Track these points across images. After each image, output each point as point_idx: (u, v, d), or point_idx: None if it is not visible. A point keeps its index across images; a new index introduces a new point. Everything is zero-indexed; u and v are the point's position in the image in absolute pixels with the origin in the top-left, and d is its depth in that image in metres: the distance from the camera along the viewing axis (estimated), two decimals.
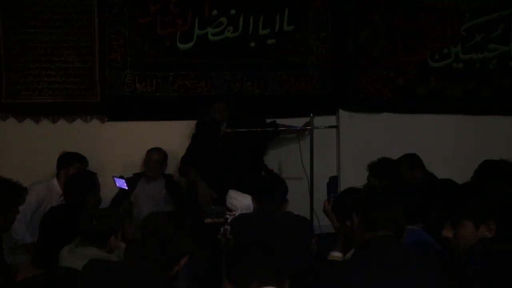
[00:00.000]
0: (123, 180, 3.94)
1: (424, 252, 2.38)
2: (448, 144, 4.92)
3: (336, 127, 4.87)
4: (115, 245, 2.62)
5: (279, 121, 4.59)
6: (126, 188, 3.96)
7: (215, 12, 4.70)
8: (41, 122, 4.64)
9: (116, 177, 4.02)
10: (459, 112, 4.96)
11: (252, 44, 4.78)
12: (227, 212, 3.82)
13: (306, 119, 4.28)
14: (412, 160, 4.04)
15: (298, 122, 4.45)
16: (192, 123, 4.63)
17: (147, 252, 1.99)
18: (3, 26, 4.48)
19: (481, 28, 4.91)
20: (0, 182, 2.80)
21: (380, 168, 3.51)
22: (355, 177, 3.73)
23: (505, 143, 4.86)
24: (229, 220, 3.61)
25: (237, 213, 3.68)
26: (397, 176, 3.60)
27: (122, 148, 4.70)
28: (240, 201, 3.79)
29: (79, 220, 2.59)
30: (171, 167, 4.68)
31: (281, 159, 4.68)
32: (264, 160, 4.60)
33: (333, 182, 3.95)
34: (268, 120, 4.54)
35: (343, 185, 4.33)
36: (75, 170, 4.07)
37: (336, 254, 2.74)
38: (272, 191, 3.16)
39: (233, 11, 4.72)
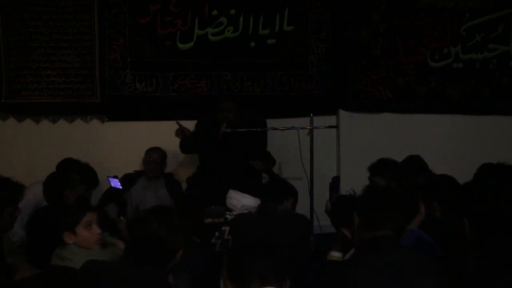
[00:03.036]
0: (117, 180, 3.96)
1: (424, 251, 2.37)
2: (448, 144, 4.92)
3: (336, 127, 4.87)
4: (77, 241, 2.45)
5: (279, 121, 4.59)
6: (120, 187, 3.96)
7: (215, 12, 4.70)
8: (41, 122, 4.65)
9: (111, 177, 4.03)
10: (459, 112, 4.96)
11: (252, 44, 4.78)
12: (227, 212, 3.81)
13: (306, 119, 4.27)
14: (416, 165, 4.00)
15: (298, 122, 4.44)
16: (192, 123, 4.62)
17: (142, 254, 1.99)
18: (3, 26, 4.49)
19: (481, 28, 4.91)
20: None
21: (384, 168, 3.51)
22: (355, 177, 3.73)
23: (505, 143, 4.87)
24: (228, 220, 3.62)
25: (236, 213, 3.68)
26: (401, 175, 3.61)
27: (122, 148, 4.70)
28: (240, 201, 3.78)
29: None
30: (171, 166, 4.68)
31: (281, 159, 4.68)
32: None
33: (335, 182, 3.96)
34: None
35: (344, 185, 4.35)
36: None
37: (336, 254, 2.74)
38: (272, 189, 3.19)
39: (233, 11, 4.72)
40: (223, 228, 3.27)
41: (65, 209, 2.62)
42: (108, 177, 4.05)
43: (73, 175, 3.49)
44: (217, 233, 3.24)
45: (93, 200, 4.31)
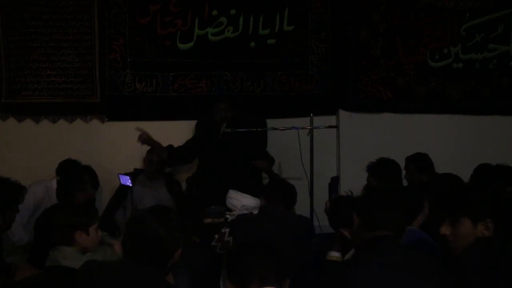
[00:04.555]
0: (128, 177, 3.94)
1: (424, 251, 2.38)
2: (448, 144, 4.92)
3: (336, 127, 4.88)
4: (85, 242, 2.49)
5: (279, 121, 4.59)
6: (131, 185, 3.95)
7: (215, 12, 4.70)
8: (41, 122, 4.65)
9: (121, 174, 4.02)
10: (459, 112, 4.97)
11: (252, 44, 4.78)
12: (227, 212, 3.82)
13: (306, 119, 4.28)
14: (421, 163, 3.98)
15: (298, 122, 4.45)
16: (192, 123, 4.63)
17: (141, 254, 1.99)
18: (3, 26, 4.48)
19: (481, 28, 4.91)
20: None
21: (380, 169, 3.51)
22: (355, 177, 3.74)
23: (505, 143, 4.87)
24: (229, 220, 3.62)
25: (236, 213, 3.68)
26: (397, 176, 3.60)
27: (122, 148, 4.69)
28: (240, 201, 3.79)
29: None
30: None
31: (281, 159, 4.68)
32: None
33: (335, 182, 3.96)
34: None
35: (343, 185, 4.35)
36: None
37: (335, 254, 2.74)
38: (283, 192, 3.20)
39: (233, 11, 4.72)
40: (222, 230, 3.26)
41: (81, 209, 2.64)
42: (118, 174, 4.04)
43: (86, 178, 3.54)
44: (216, 236, 3.24)
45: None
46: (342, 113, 4.94)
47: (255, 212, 3.47)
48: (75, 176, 3.54)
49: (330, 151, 5.01)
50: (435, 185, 3.15)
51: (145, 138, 4.20)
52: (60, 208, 3.25)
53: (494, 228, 2.06)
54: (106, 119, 4.71)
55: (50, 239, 2.51)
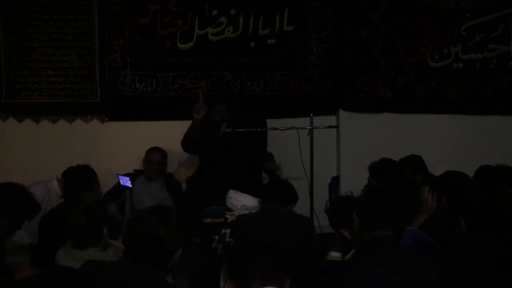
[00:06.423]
0: (127, 178, 3.93)
1: (424, 252, 2.38)
2: (448, 144, 4.92)
3: (336, 127, 4.88)
4: (107, 236, 2.60)
5: (279, 121, 4.59)
6: (130, 186, 3.94)
7: (215, 12, 4.70)
8: (41, 122, 4.65)
9: (121, 175, 4.01)
10: (459, 112, 4.96)
11: (252, 44, 4.79)
12: (227, 212, 3.81)
13: (306, 119, 4.28)
14: (415, 164, 4.01)
15: (298, 122, 4.45)
16: None
17: (141, 254, 1.99)
18: (3, 26, 4.49)
19: (481, 28, 4.91)
20: (17, 188, 2.82)
21: (380, 170, 3.51)
22: (355, 177, 3.74)
23: (505, 143, 4.87)
24: (229, 220, 3.62)
25: (236, 213, 3.68)
26: (397, 177, 3.60)
27: (122, 148, 4.70)
28: (240, 201, 3.79)
29: (67, 221, 2.56)
30: (171, 166, 4.68)
31: (281, 159, 4.68)
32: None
33: (335, 182, 3.96)
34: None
35: (344, 185, 4.35)
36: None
37: (335, 254, 2.74)
38: (278, 192, 3.20)
39: (233, 11, 4.72)
40: (223, 231, 3.26)
41: (98, 205, 2.75)
42: (118, 174, 4.04)
43: (93, 178, 3.54)
44: (216, 237, 3.24)
45: None
46: (342, 113, 4.94)
47: (255, 212, 3.47)
48: (82, 176, 3.53)
49: (330, 151, 5.01)
50: (440, 184, 3.14)
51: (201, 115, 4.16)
52: (61, 210, 3.26)
53: (492, 228, 2.06)
54: (106, 119, 4.72)
55: (56, 240, 2.52)
